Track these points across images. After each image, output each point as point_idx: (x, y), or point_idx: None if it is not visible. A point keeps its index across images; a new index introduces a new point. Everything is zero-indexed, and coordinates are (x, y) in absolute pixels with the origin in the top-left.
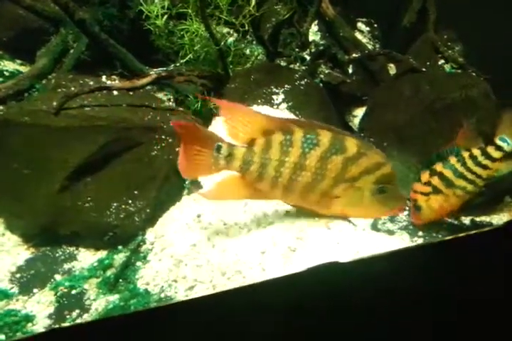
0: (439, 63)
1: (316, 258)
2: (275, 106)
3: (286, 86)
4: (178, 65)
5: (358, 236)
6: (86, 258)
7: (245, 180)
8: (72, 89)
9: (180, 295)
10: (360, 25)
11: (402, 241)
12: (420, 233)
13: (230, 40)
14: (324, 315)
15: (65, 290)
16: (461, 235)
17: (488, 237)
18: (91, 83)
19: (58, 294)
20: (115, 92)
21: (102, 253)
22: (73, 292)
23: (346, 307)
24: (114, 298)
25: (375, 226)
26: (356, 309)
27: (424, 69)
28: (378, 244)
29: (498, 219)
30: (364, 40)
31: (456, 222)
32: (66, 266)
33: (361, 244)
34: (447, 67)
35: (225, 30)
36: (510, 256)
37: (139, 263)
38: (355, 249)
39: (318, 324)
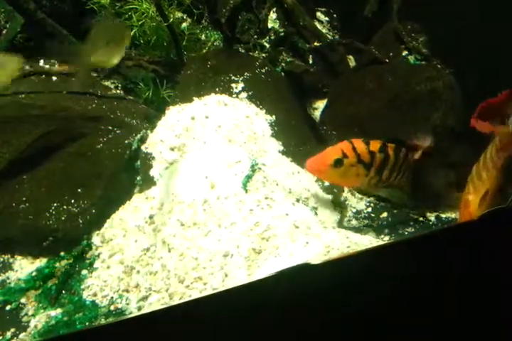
0: (403, 54)
1: (285, 260)
2: (234, 96)
3: (246, 74)
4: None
5: (327, 234)
6: (23, 267)
7: None
8: None
9: (133, 306)
10: (319, 15)
11: (370, 237)
12: (386, 230)
13: (184, 24)
14: (297, 322)
15: None
16: (432, 230)
17: (462, 231)
18: (26, 67)
19: None
20: (54, 78)
21: (42, 261)
22: (8, 307)
23: (321, 312)
24: (56, 312)
25: (341, 224)
26: (331, 313)
27: (387, 61)
28: (348, 243)
29: None
30: (323, 30)
31: (422, 219)
32: None
33: (330, 242)
34: (411, 59)
35: (179, 14)
36: (486, 249)
37: (84, 272)
38: (326, 249)
39: (290, 330)
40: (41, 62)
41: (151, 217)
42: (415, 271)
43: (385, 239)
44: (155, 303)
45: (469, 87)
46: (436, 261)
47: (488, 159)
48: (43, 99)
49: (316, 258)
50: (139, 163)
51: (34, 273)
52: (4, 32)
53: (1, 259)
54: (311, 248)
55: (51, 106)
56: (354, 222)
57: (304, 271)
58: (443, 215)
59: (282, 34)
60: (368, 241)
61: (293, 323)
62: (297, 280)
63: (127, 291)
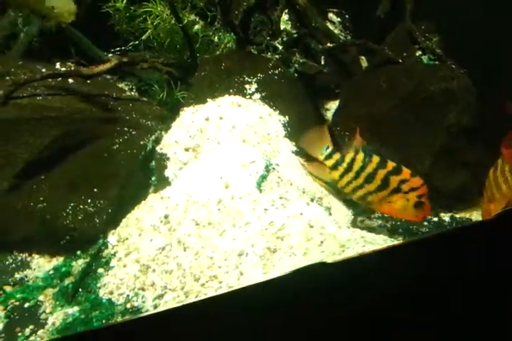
0: (417, 55)
1: (300, 259)
2: (248, 97)
3: (259, 75)
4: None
5: (342, 233)
6: (40, 265)
7: None
8: (22, 76)
9: (149, 304)
10: (331, 16)
11: (384, 237)
12: (400, 230)
13: (197, 27)
14: (314, 321)
15: (17, 303)
16: (449, 229)
17: (478, 231)
18: (43, 70)
19: (8, 308)
20: (70, 80)
21: (59, 260)
22: (26, 305)
23: (337, 311)
24: (73, 310)
25: (354, 224)
26: (348, 311)
27: (400, 61)
28: (363, 242)
29: (478, 214)
30: (335, 31)
31: (436, 219)
32: (18, 276)
33: (345, 242)
34: (425, 59)
35: (192, 17)
36: (502, 248)
37: (100, 270)
38: (341, 248)
39: (307, 330)
40: (57, 65)
41: (166, 217)
42: (429, 270)
43: (399, 239)
44: (170, 301)
45: (482, 86)
46: (450, 261)
47: (507, 170)
48: (60, 101)
49: (331, 257)
50: (153, 163)
51: (51, 272)
52: (22, 36)
53: (19, 258)
54: (326, 247)
55: (67, 108)
56: (368, 222)
57: (319, 270)
58: (457, 215)
59: (295, 35)
60: (383, 240)
61: (307, 321)
62: (312, 279)
63: (143, 289)
